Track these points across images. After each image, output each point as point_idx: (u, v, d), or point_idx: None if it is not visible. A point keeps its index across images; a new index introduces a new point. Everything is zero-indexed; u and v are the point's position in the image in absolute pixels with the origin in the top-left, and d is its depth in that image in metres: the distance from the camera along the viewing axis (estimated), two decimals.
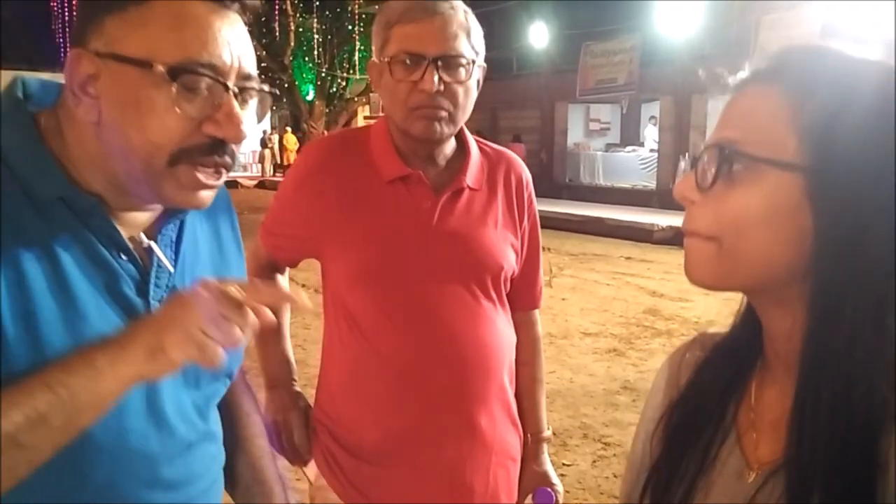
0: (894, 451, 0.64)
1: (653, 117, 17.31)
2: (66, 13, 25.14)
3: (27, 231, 0.81)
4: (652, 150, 16.94)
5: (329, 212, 1.41)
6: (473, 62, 1.38)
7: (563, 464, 3.84)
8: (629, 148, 18.27)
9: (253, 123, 0.87)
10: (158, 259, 0.91)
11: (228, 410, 1.13)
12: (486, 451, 1.46)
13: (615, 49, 16.08)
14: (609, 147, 19.09)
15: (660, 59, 15.08)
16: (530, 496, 1.57)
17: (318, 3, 24.06)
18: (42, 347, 0.79)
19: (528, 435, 1.59)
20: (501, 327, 1.48)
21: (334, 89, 28.62)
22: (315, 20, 24.07)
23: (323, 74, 25.25)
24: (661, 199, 14.85)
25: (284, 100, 25.15)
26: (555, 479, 1.60)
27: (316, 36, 24.06)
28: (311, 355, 4.41)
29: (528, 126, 18.55)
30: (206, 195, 0.87)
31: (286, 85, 23.93)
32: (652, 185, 16.15)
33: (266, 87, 0.89)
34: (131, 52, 0.80)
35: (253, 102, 0.88)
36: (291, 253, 1.57)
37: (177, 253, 0.95)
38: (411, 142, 1.42)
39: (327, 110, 28.57)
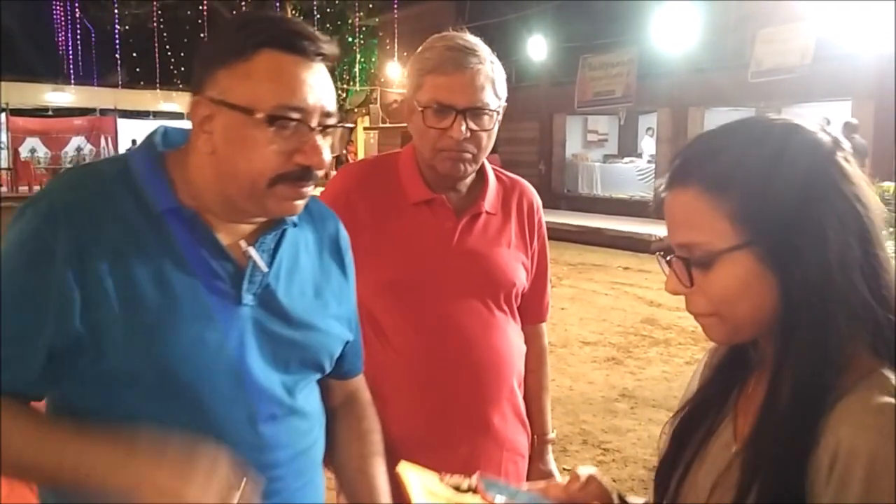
0: (827, 432, 0.79)
1: (650, 129, 17.41)
2: (69, 23, 25.23)
3: (138, 237, 1.03)
4: (649, 162, 17.03)
5: (361, 228, 1.53)
6: (497, 111, 1.53)
7: (564, 469, 3.93)
8: (627, 159, 18.37)
9: (331, 153, 1.08)
10: (254, 261, 1.09)
11: (347, 427, 1.29)
12: (497, 447, 1.59)
13: (613, 62, 16.18)
14: (607, 158, 19.18)
15: (657, 71, 15.18)
16: None
17: (318, 15, 24.22)
18: (143, 331, 1.00)
19: (535, 437, 1.73)
20: (512, 336, 1.64)
21: None
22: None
23: None
24: (658, 209, 14.92)
25: None
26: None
27: None
28: None
29: (526, 137, 18.65)
30: (299, 204, 1.09)
31: None
32: (649, 195, 15.98)
33: (344, 124, 1.09)
34: (237, 100, 1.01)
35: (334, 133, 1.08)
36: None
37: (273, 258, 1.12)
38: (436, 174, 1.57)
39: None
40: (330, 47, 1.06)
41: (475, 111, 1.49)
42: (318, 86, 1.04)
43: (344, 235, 1.29)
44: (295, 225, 1.17)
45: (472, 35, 1.56)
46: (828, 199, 0.82)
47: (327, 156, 1.05)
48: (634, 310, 7.87)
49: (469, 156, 1.53)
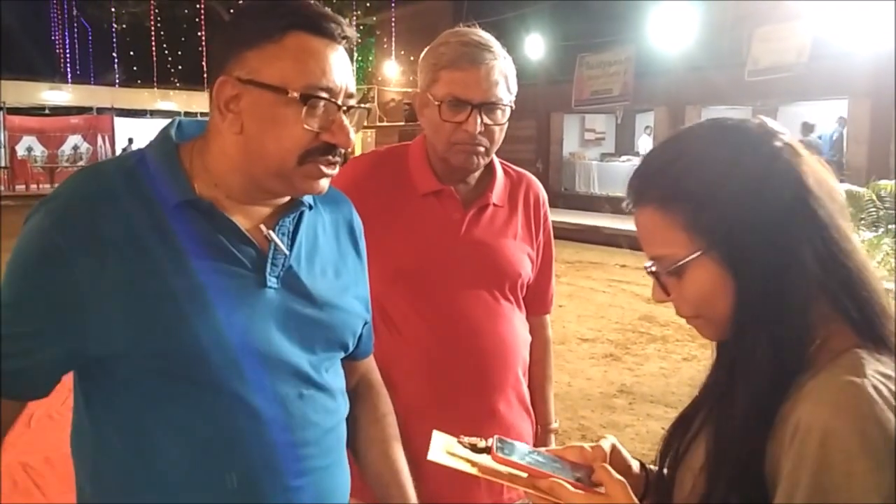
0: (794, 409, 0.82)
1: (648, 127, 17.46)
2: (66, 22, 25.20)
3: (159, 228, 1.04)
4: None
5: (371, 217, 1.54)
6: (510, 105, 1.56)
7: None
8: (624, 157, 18.38)
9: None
10: (276, 244, 1.11)
11: (365, 411, 1.33)
12: (502, 433, 1.61)
13: (610, 60, 16.23)
14: (604, 157, 19.22)
15: (654, 70, 15.22)
16: None
17: None
18: (170, 320, 1.01)
19: (539, 426, 1.76)
20: (517, 326, 1.67)
21: None
22: None
23: None
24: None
25: None
26: None
27: None
28: None
29: (523, 136, 18.68)
30: (325, 183, 1.11)
31: None
32: None
33: (362, 105, 1.13)
34: (269, 80, 1.04)
35: (353, 114, 1.11)
36: None
37: (293, 241, 1.15)
38: (448, 166, 1.60)
39: None
40: (351, 31, 1.10)
41: (490, 106, 1.53)
42: (343, 67, 1.08)
43: (358, 219, 1.32)
44: (311, 207, 1.19)
45: (484, 31, 1.58)
46: (775, 198, 0.86)
47: (353, 135, 1.09)
48: (632, 307, 7.90)
49: (482, 149, 1.56)
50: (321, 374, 1.17)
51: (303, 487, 1.11)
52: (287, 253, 1.13)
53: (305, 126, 1.04)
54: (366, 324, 1.30)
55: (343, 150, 1.10)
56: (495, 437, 0.98)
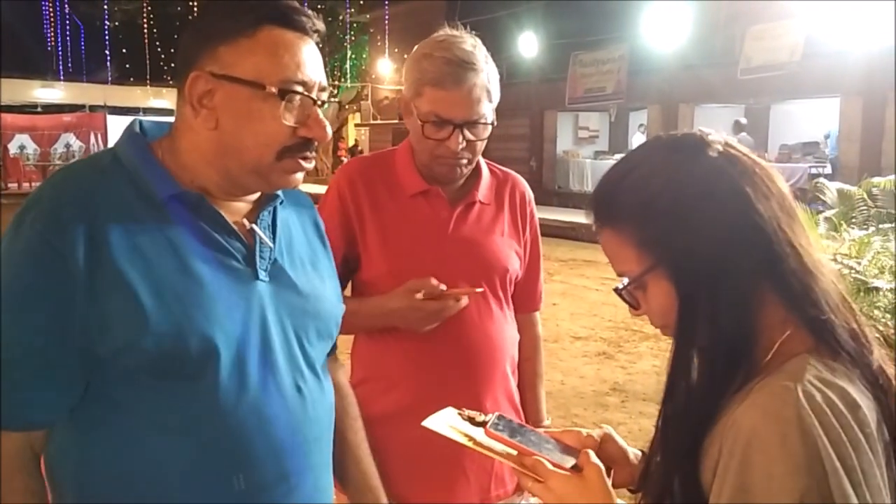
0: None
1: (642, 125, 17.47)
2: (58, 19, 25.09)
3: (149, 225, 1.03)
4: None
5: (364, 219, 1.63)
6: (491, 123, 1.59)
7: None
8: (617, 155, 18.15)
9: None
10: (260, 237, 1.12)
11: (339, 418, 1.32)
12: None
13: (604, 58, 16.24)
14: (598, 155, 19.20)
15: (647, 68, 15.24)
16: None
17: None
18: (173, 314, 1.00)
19: (530, 423, 1.76)
20: (505, 323, 1.70)
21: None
22: None
23: None
24: None
25: None
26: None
27: None
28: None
29: (517, 134, 18.69)
30: (300, 177, 1.13)
31: None
32: None
33: (334, 99, 1.11)
34: (244, 75, 1.04)
35: (327, 108, 1.10)
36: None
37: (273, 234, 1.15)
38: (432, 173, 1.64)
39: None
40: (321, 24, 1.11)
41: (472, 123, 1.56)
42: (316, 61, 1.09)
43: (318, 216, 1.34)
44: (281, 202, 1.19)
45: (468, 35, 1.59)
46: (711, 209, 0.88)
47: (329, 129, 1.10)
48: (624, 305, 7.88)
49: (465, 161, 1.61)
50: (316, 368, 1.17)
51: (304, 482, 1.11)
52: (272, 246, 1.14)
53: (283, 121, 1.05)
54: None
55: (318, 144, 1.11)
56: (496, 413, 1.03)
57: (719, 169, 0.90)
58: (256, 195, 1.16)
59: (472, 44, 1.57)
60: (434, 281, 1.53)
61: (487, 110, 1.58)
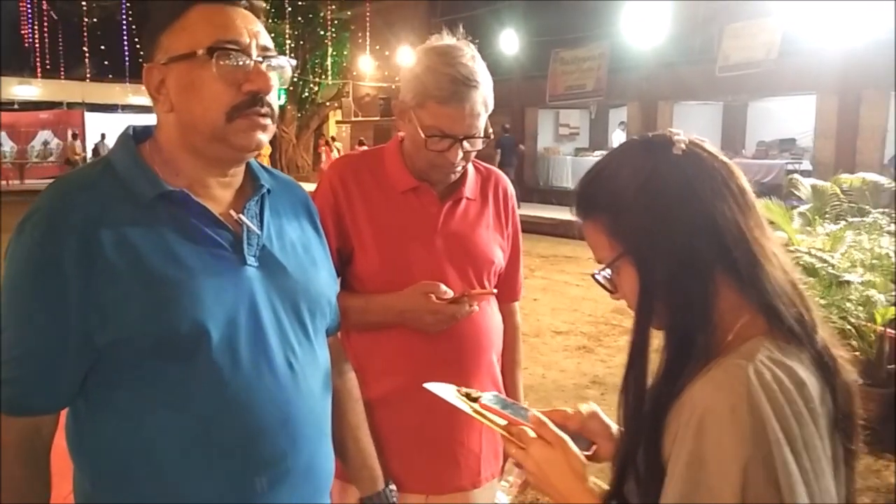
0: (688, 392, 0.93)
1: (623, 122, 17.59)
2: (35, 15, 24.79)
3: (139, 224, 1.10)
4: None
5: (356, 217, 1.70)
6: (488, 136, 1.67)
7: None
8: (598, 152, 18.44)
9: (279, 86, 1.18)
10: (247, 226, 1.18)
11: (340, 398, 1.40)
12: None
13: (584, 56, 16.34)
14: (578, 151, 19.32)
15: (627, 66, 15.35)
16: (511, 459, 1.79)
17: (289, 8, 24.05)
18: (166, 305, 1.07)
19: None
20: (491, 312, 1.79)
21: (306, 94, 28.50)
22: (287, 25, 24.03)
23: (294, 79, 25.20)
24: None
25: None
26: None
27: (287, 41, 24.02)
28: None
29: (498, 131, 18.77)
30: (262, 137, 1.17)
31: None
32: None
33: (283, 59, 1.19)
34: (179, 51, 1.12)
35: (280, 69, 1.18)
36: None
37: (262, 222, 1.22)
38: (424, 174, 1.71)
39: (299, 115, 28.45)
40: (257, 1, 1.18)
41: (471, 137, 1.64)
42: (248, 22, 1.16)
43: (312, 201, 1.41)
44: (269, 191, 1.25)
45: (466, 45, 1.65)
46: (672, 202, 0.97)
47: (275, 82, 1.15)
48: (605, 300, 7.95)
49: (459, 168, 1.70)
50: (309, 344, 1.24)
51: (299, 453, 1.18)
52: (259, 233, 1.20)
53: (220, 81, 1.11)
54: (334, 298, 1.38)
55: (268, 99, 1.15)
56: (493, 392, 1.18)
57: (681, 166, 0.99)
58: (239, 179, 1.22)
59: (471, 56, 1.63)
60: (444, 287, 1.61)
61: (484, 123, 1.66)
